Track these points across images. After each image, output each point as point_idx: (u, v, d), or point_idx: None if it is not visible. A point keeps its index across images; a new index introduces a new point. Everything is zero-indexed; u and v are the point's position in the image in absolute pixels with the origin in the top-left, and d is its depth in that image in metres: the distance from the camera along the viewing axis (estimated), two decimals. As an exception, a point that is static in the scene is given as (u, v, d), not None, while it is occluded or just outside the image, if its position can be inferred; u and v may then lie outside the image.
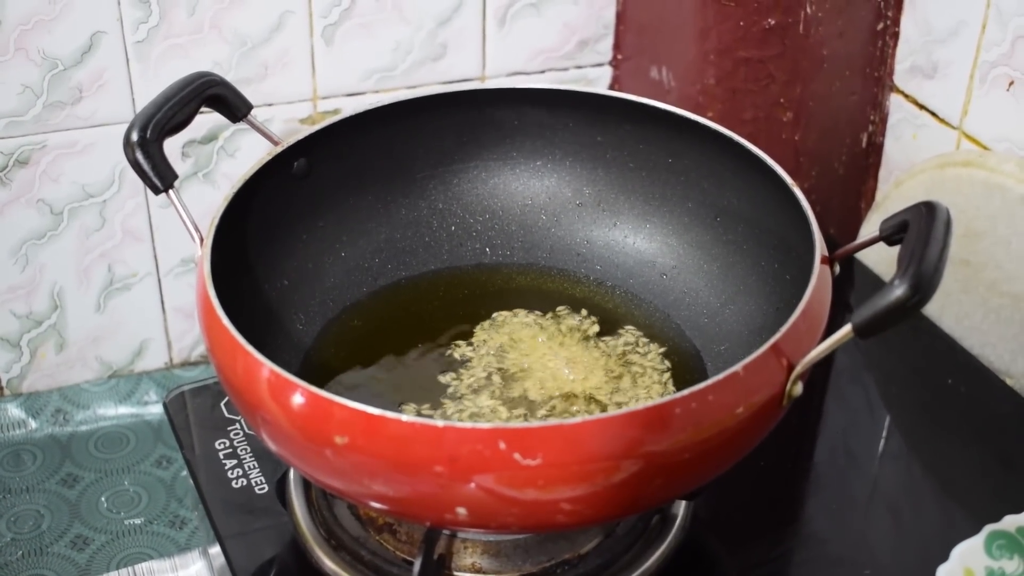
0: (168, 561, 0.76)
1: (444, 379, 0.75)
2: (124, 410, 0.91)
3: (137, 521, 0.85)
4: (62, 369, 0.92)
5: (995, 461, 0.81)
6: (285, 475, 0.75)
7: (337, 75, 0.95)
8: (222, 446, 0.78)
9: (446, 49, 0.94)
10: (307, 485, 0.73)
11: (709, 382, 0.57)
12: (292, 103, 0.94)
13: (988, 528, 0.67)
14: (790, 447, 0.84)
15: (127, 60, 0.86)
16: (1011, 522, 0.67)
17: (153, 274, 0.92)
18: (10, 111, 0.83)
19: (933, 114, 0.98)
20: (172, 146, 0.88)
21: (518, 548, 0.69)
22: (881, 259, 0.98)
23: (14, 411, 0.89)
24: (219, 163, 0.92)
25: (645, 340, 0.79)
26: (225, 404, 0.81)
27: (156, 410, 0.90)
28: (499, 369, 0.75)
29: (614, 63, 0.99)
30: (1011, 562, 0.67)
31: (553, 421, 0.55)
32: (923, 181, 0.95)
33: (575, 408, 0.72)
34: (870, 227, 1.03)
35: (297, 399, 0.57)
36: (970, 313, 0.92)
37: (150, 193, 0.84)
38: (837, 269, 0.69)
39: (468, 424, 0.54)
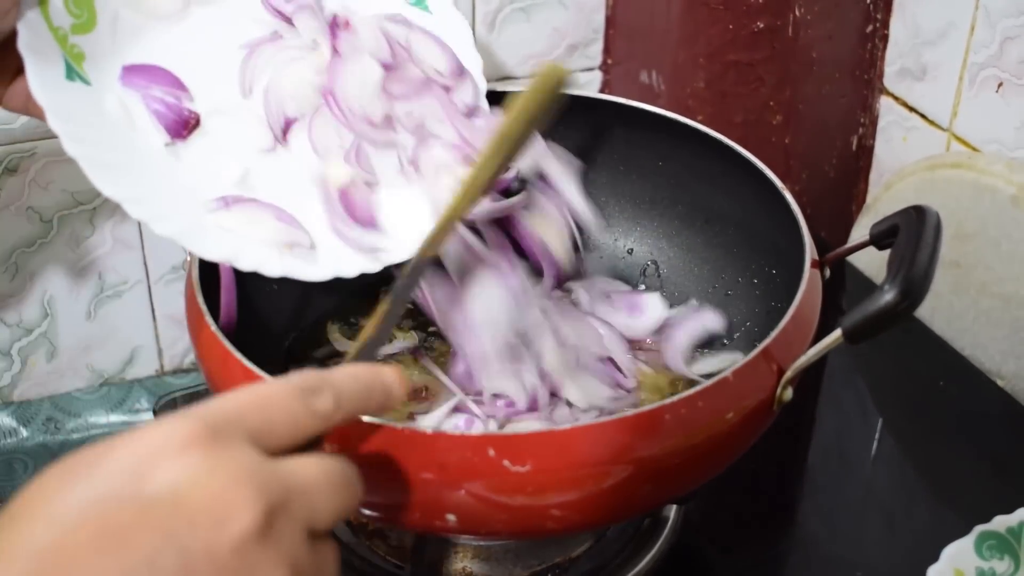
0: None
1: (435, 375, 0.74)
2: (115, 418, 0.91)
3: (129, 528, 0.85)
4: (53, 377, 0.91)
5: (986, 462, 0.81)
6: (276, 482, 0.74)
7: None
8: (213, 453, 0.78)
9: (436, 54, 0.94)
10: (298, 492, 0.73)
11: (699, 388, 0.57)
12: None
13: (978, 529, 0.67)
14: (783, 450, 0.84)
15: (116, 67, 0.86)
16: (1001, 523, 0.68)
17: (143, 281, 0.91)
18: (-1, 119, 0.83)
19: (923, 116, 0.98)
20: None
21: (509, 553, 0.69)
22: (872, 261, 0.99)
23: (5, 420, 0.89)
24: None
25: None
26: (216, 411, 0.81)
27: (147, 417, 0.90)
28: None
29: (604, 67, 0.99)
30: (1001, 562, 0.67)
31: (542, 428, 0.55)
32: (913, 183, 0.95)
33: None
34: (861, 229, 1.03)
35: (286, 407, 0.56)
36: (961, 315, 0.93)
37: (140, 200, 0.84)
38: (827, 273, 0.69)
39: (458, 431, 0.54)
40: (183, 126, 0.68)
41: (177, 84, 0.68)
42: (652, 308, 0.79)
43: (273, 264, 0.67)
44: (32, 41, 0.61)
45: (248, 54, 0.72)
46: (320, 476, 0.41)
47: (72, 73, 0.64)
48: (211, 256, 0.64)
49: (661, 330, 0.78)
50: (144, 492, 0.37)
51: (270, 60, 0.72)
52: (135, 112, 0.67)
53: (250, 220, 0.67)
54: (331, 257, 0.70)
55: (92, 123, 0.64)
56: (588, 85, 1.00)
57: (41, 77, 0.61)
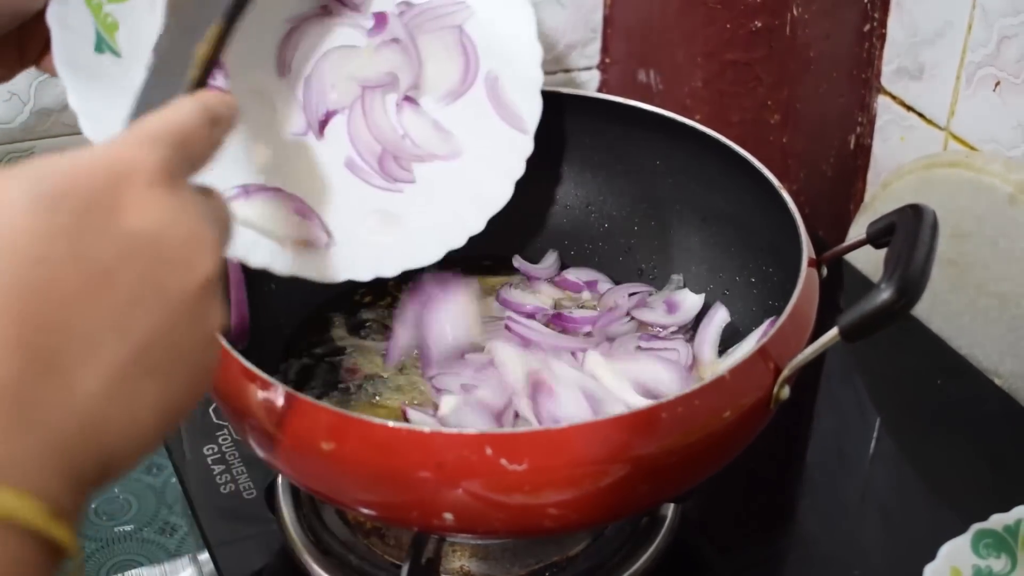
0: (158, 568, 0.76)
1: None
2: (113, 416, 0.90)
3: (127, 528, 0.85)
4: (51, 376, 0.92)
5: (983, 460, 0.81)
6: (274, 480, 0.75)
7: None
8: (210, 452, 0.78)
9: (434, 53, 0.94)
10: (295, 490, 0.73)
11: (696, 386, 0.57)
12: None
13: (975, 527, 0.67)
14: (781, 448, 0.84)
15: (114, 66, 0.86)
16: (998, 521, 0.68)
17: (142, 280, 0.91)
18: (-3, 118, 0.83)
19: (920, 115, 0.98)
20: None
21: (506, 551, 0.69)
22: (869, 260, 0.99)
23: (3, 418, 0.89)
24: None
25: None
26: (213, 410, 0.81)
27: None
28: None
29: (602, 67, 0.99)
30: (998, 560, 0.67)
31: (539, 427, 0.55)
32: (911, 182, 0.95)
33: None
34: (858, 228, 1.03)
35: (283, 405, 0.57)
36: (959, 313, 0.93)
37: (138, 199, 0.84)
38: (824, 271, 0.69)
39: (454, 430, 0.54)
40: None
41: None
42: (689, 304, 0.80)
43: (284, 262, 0.66)
44: (61, 13, 0.60)
45: (290, 30, 0.69)
46: (227, 209, 0.44)
47: (102, 44, 0.63)
48: None
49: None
50: (122, 229, 0.37)
51: (315, 43, 0.69)
52: None
53: (267, 212, 0.66)
54: (346, 259, 0.69)
55: (115, 100, 0.62)
56: (586, 84, 1.00)
57: (67, 51, 0.60)
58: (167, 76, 0.46)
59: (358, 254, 0.69)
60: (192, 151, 0.42)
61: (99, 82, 0.62)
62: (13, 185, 0.36)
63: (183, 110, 0.42)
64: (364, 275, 0.69)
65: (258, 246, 0.65)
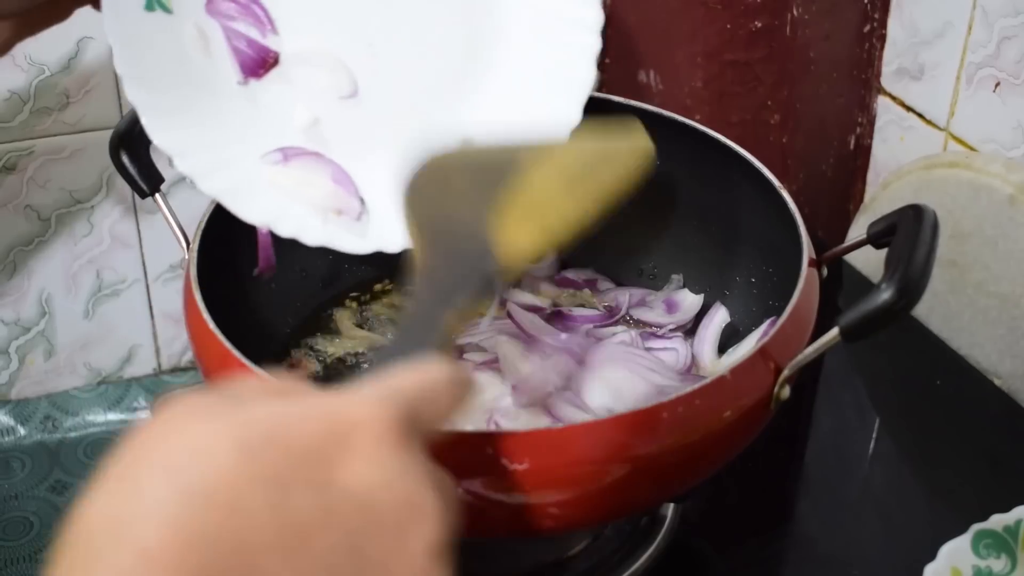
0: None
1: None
2: (113, 416, 0.91)
3: (127, 527, 0.85)
4: (51, 376, 0.91)
5: (983, 461, 0.81)
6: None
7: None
8: (211, 452, 0.78)
9: (434, 53, 0.94)
10: (296, 490, 0.73)
11: (696, 386, 0.57)
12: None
13: (975, 527, 0.67)
14: (780, 448, 0.84)
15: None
16: (998, 521, 0.68)
17: (141, 280, 0.91)
18: (-3, 117, 0.83)
19: (920, 116, 0.98)
20: (161, 152, 0.88)
21: (506, 551, 0.69)
22: (869, 260, 0.99)
23: (2, 418, 0.89)
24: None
25: (633, 343, 0.79)
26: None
27: (145, 416, 0.90)
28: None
29: (601, 67, 0.99)
30: (998, 561, 0.67)
31: (540, 426, 0.55)
32: (910, 182, 0.96)
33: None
34: (858, 229, 1.03)
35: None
36: (958, 314, 0.93)
37: (138, 199, 0.84)
38: (824, 272, 0.69)
39: (454, 429, 0.54)
40: (260, 64, 0.65)
41: (265, 19, 0.65)
42: (688, 303, 0.80)
43: (314, 231, 0.65)
44: None
45: None
46: (452, 486, 0.40)
47: (152, 2, 0.62)
48: (252, 218, 0.63)
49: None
50: (331, 485, 0.34)
51: None
52: (214, 44, 0.64)
53: (304, 179, 0.65)
54: (378, 229, 0.68)
55: (162, 60, 0.62)
56: (586, 84, 1.00)
57: (117, 10, 0.59)
58: (413, 337, 0.45)
59: (390, 225, 0.67)
60: (427, 411, 0.38)
61: (148, 42, 0.61)
62: (223, 429, 0.34)
63: (420, 370, 0.39)
64: (393, 246, 0.67)
65: (288, 215, 0.64)
